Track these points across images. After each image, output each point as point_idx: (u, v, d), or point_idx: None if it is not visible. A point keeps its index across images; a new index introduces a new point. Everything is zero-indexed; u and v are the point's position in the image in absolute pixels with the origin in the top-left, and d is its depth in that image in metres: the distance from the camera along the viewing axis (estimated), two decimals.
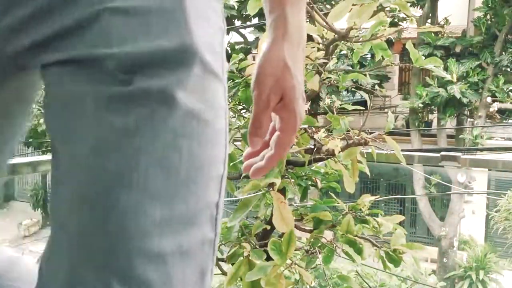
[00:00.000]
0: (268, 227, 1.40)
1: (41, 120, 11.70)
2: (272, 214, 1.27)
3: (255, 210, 1.42)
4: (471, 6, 11.16)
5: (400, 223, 1.49)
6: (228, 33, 11.25)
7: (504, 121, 10.26)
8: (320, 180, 1.60)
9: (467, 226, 11.29)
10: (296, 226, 1.37)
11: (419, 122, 11.25)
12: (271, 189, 1.30)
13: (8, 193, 20.21)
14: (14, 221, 17.53)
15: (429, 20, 10.85)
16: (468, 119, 10.90)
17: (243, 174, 1.39)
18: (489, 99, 9.69)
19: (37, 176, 17.77)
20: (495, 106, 9.68)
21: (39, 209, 17.57)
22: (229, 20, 9.78)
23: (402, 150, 1.44)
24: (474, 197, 10.87)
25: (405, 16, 1.37)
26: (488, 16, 10.39)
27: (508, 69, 10.02)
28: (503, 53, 9.95)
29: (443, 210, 11.35)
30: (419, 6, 10.41)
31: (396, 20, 9.12)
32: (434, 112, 11.05)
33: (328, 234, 1.43)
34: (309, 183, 1.57)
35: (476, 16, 10.70)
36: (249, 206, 1.33)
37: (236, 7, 9.08)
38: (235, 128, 1.37)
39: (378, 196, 1.62)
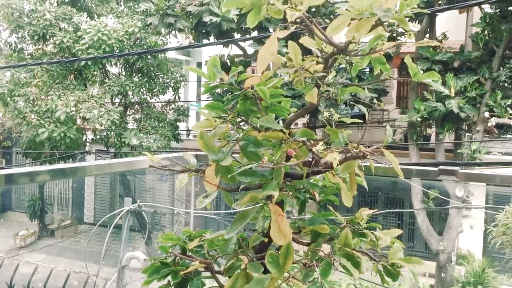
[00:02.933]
0: (266, 240, 1.39)
1: (40, 131, 11.69)
2: (270, 227, 1.27)
3: (253, 223, 1.41)
4: (469, 21, 11.26)
5: (398, 237, 1.48)
6: (227, 46, 11.34)
7: (502, 136, 10.28)
8: (318, 193, 1.60)
9: (465, 240, 11.25)
10: (293, 239, 1.37)
11: (417, 136, 11.27)
12: (269, 201, 1.30)
13: (5, 204, 20.12)
14: (10, 231, 17.42)
15: (427, 35, 10.92)
16: (466, 134, 10.93)
17: (241, 186, 1.38)
18: (487, 114, 9.72)
19: (35, 186, 17.71)
20: (493, 121, 9.70)
21: (35, 219, 17.49)
22: (229, 33, 9.83)
23: (400, 164, 1.44)
24: (472, 212, 10.86)
25: (403, 31, 1.38)
26: (486, 32, 10.46)
27: (506, 84, 10.06)
28: (501, 68, 10.01)
29: (441, 224, 11.32)
30: (417, 21, 10.49)
31: (394, 34, 9.19)
32: (432, 126, 11.08)
33: (326, 248, 1.43)
34: (307, 196, 1.57)
35: (474, 32, 10.77)
36: (246, 218, 1.32)
37: (236, 20, 9.14)
38: (234, 140, 1.37)
39: (376, 210, 1.61)
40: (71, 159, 12.77)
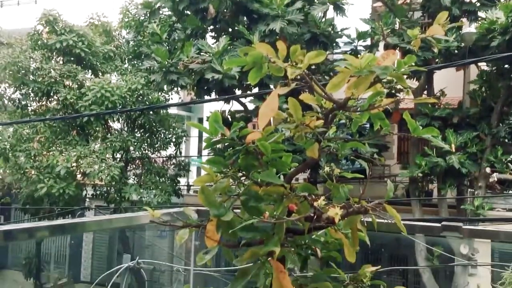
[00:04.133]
0: None
1: (39, 186, 11.65)
2: (271, 284, 1.24)
3: (254, 280, 1.38)
4: (466, 78, 11.48)
5: None
6: (228, 102, 11.48)
7: (505, 192, 10.22)
8: (320, 249, 1.57)
9: None
10: None
11: (419, 192, 11.20)
12: (270, 258, 1.27)
13: (1, 262, 19.73)
14: None
15: (425, 92, 11.10)
16: (469, 189, 10.86)
17: (242, 242, 1.36)
18: (488, 170, 9.71)
19: (32, 243, 17.44)
20: (495, 176, 9.67)
21: (31, 278, 17.07)
22: (230, 90, 10.02)
23: (402, 220, 1.42)
24: (478, 270, 10.60)
25: (402, 87, 1.40)
26: (483, 89, 10.64)
27: (506, 140, 10.11)
28: (500, 124, 10.09)
29: (447, 283, 11.04)
30: (415, 78, 10.70)
31: (393, 91, 9.35)
32: (434, 182, 11.04)
33: None
34: (309, 252, 1.54)
35: (471, 88, 10.96)
36: (248, 275, 1.30)
37: (237, 77, 9.33)
38: (235, 195, 1.37)
39: (380, 267, 1.58)
40: (70, 215, 12.65)
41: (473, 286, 10.41)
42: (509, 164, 9.73)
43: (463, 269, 10.03)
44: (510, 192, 10.26)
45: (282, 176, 1.44)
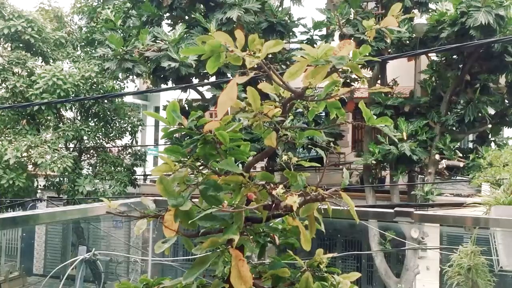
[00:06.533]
0: (227, 286, 1.37)
1: None
2: (230, 272, 1.25)
3: (213, 268, 1.39)
4: (417, 68, 11.82)
5: (358, 280, 1.49)
6: (185, 90, 11.33)
7: (452, 177, 10.64)
8: (278, 237, 1.59)
9: (422, 282, 11.36)
10: (254, 284, 1.35)
11: (373, 179, 11.50)
12: (229, 246, 1.28)
13: None
14: None
15: (378, 81, 11.36)
16: (419, 176, 11.23)
17: (201, 231, 1.37)
18: (437, 157, 10.07)
19: None
20: (443, 163, 10.05)
21: None
22: (187, 78, 9.91)
23: (357, 206, 1.47)
24: (428, 253, 11.03)
25: (356, 77, 1.43)
26: (433, 78, 11.00)
27: (454, 128, 10.51)
28: (449, 113, 10.47)
29: (399, 266, 11.43)
30: (369, 68, 10.91)
31: (348, 80, 9.50)
32: (387, 168, 11.35)
33: None
34: (267, 239, 1.56)
35: (422, 78, 11.31)
36: (206, 263, 1.30)
37: (194, 66, 9.24)
38: (193, 184, 1.37)
39: (335, 253, 1.62)
40: (20, 207, 12.23)
41: (422, 268, 10.82)
42: (457, 151, 10.13)
43: (413, 253, 10.41)
44: (458, 178, 10.69)
45: (240, 165, 1.44)
